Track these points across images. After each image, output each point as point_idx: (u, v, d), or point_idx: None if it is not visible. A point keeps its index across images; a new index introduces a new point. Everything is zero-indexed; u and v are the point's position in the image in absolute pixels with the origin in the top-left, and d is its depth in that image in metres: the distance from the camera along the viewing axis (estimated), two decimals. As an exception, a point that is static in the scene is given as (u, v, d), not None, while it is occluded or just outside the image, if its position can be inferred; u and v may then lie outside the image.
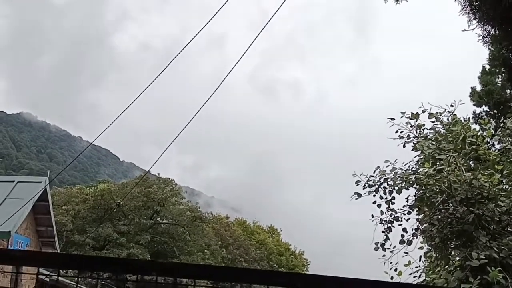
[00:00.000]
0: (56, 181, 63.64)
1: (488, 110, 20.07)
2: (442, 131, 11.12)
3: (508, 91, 18.78)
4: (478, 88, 20.38)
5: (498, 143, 11.89)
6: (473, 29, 6.57)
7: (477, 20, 6.73)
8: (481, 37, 6.55)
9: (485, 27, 6.50)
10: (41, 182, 26.68)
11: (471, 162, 10.80)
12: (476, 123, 16.39)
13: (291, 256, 73.57)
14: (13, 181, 27.03)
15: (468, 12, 6.75)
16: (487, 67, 19.00)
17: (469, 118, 13.37)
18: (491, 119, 16.52)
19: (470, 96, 20.48)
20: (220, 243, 57.96)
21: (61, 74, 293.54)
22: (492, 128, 12.56)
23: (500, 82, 19.20)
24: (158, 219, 52.24)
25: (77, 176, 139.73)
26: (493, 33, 6.44)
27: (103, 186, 53.16)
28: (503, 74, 17.79)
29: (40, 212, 27.66)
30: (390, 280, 9.27)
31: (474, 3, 6.62)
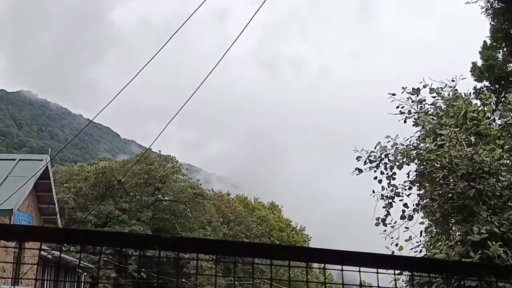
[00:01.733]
0: (57, 159, 63.80)
1: (489, 85, 20.01)
2: (443, 106, 11.09)
3: (510, 65, 18.69)
4: (479, 63, 20.29)
5: (499, 118, 11.87)
6: (476, 1, 6.52)
7: (479, -7, 6.67)
8: (484, 10, 6.50)
9: (487, -1, 6.45)
10: (42, 160, 26.70)
11: (472, 137, 10.78)
12: (477, 98, 16.35)
13: (292, 232, 73.98)
14: (14, 159, 27.08)
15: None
16: (488, 41, 18.88)
17: (470, 93, 13.34)
18: (492, 94, 16.47)
19: (471, 71, 20.39)
20: (221, 219, 58.22)
21: (61, 51, 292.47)
22: (493, 103, 12.53)
23: (501, 57, 19.10)
24: (159, 196, 52.36)
25: (78, 154, 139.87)
26: (496, 5, 6.39)
27: (104, 163, 53.19)
28: (504, 48, 17.68)
29: (42, 190, 27.75)
30: (393, 251, 9.36)
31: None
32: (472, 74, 20.30)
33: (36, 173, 24.26)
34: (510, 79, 19.00)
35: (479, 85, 20.28)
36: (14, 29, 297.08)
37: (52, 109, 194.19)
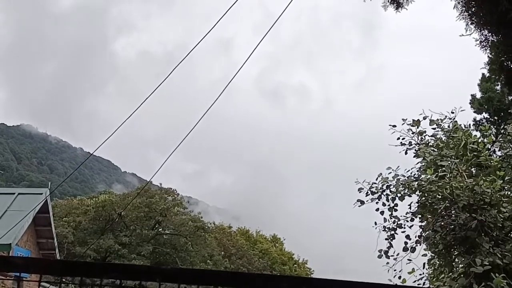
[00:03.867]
0: (56, 193, 63.60)
1: (489, 117, 20.10)
2: (444, 137, 11.13)
3: (508, 97, 18.79)
4: (478, 95, 20.42)
5: (499, 150, 11.91)
6: (471, 34, 6.59)
7: (474, 25, 6.75)
8: (478, 42, 6.57)
9: (482, 32, 6.52)
10: (41, 193, 26.62)
11: (472, 169, 10.79)
12: (477, 130, 16.40)
13: (295, 265, 73.25)
14: (13, 193, 27.01)
15: (466, 18, 6.77)
16: (486, 74, 19.03)
17: (470, 124, 13.39)
18: (492, 126, 16.54)
19: (470, 103, 20.51)
20: (222, 253, 57.77)
21: (61, 84, 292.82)
22: (493, 134, 12.57)
23: (499, 89, 19.22)
24: (160, 229, 52.07)
25: (78, 187, 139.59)
26: (490, 37, 6.47)
27: (104, 197, 53.01)
28: (502, 80, 17.79)
29: (41, 224, 27.61)
30: (396, 283, 9.25)
31: (471, 9, 6.63)
32: (471, 106, 20.41)
33: (35, 207, 24.17)
34: (509, 111, 19.09)
35: (478, 116, 20.38)
36: (14, 62, 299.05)
37: (52, 142, 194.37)
